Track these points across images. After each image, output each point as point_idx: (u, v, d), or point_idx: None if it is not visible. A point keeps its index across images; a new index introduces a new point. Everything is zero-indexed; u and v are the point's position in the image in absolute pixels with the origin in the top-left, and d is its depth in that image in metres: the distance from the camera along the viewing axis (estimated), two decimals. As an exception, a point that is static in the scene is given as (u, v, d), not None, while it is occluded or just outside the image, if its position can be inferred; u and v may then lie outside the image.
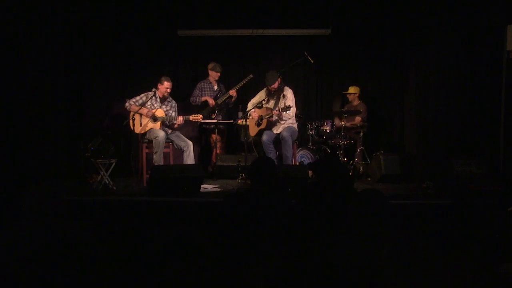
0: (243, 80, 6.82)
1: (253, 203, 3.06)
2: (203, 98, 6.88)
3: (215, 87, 7.00)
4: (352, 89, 7.17)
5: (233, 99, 6.90)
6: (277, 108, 6.25)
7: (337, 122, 7.04)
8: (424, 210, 4.72)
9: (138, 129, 6.20)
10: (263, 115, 6.44)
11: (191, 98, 6.96)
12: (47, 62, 6.21)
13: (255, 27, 7.14)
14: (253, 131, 6.59)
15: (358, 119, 7.03)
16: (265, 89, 6.51)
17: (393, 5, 6.77)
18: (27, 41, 6.01)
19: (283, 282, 2.38)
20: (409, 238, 2.23)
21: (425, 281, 2.04)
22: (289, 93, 6.43)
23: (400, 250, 2.17)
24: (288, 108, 6.13)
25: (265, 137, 6.30)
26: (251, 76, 6.83)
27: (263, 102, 6.43)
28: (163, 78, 6.31)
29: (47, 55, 6.19)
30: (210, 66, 6.94)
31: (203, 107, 6.85)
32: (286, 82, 6.57)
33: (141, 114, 6.21)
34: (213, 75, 6.94)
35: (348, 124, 6.92)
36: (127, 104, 6.26)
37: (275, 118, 6.32)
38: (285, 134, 6.27)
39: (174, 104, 6.47)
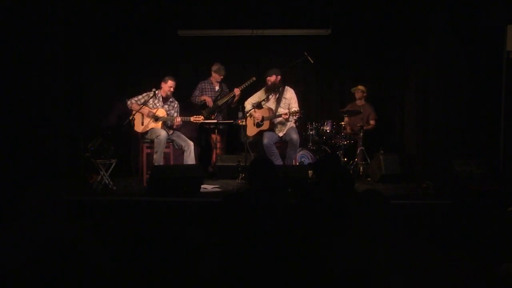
0: (245, 82, 6.81)
1: (253, 203, 3.06)
2: (202, 98, 6.88)
3: (216, 88, 7.00)
4: (362, 87, 7.19)
5: (236, 98, 6.89)
6: (285, 112, 6.24)
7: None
8: (424, 210, 4.72)
9: (139, 128, 6.20)
10: (264, 116, 6.43)
11: (191, 98, 6.96)
12: (47, 62, 6.21)
13: (255, 27, 7.14)
14: (251, 131, 6.54)
15: (372, 122, 7.08)
16: (263, 88, 6.51)
17: (393, 5, 6.77)
18: (27, 41, 6.00)
19: (283, 282, 2.38)
20: (409, 238, 2.23)
21: (425, 281, 2.04)
22: (290, 93, 6.42)
23: (400, 250, 2.17)
24: (297, 113, 6.15)
25: (266, 140, 6.28)
26: (254, 79, 6.83)
27: (263, 102, 6.43)
28: (167, 77, 6.29)
29: (47, 55, 6.19)
30: (214, 68, 6.92)
31: (203, 108, 6.85)
32: (286, 82, 6.56)
33: (142, 114, 6.21)
34: (216, 77, 6.93)
35: (347, 124, 6.93)
36: (128, 102, 6.26)
37: (280, 120, 6.31)
38: (295, 137, 6.28)
39: (176, 105, 6.45)
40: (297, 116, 6.26)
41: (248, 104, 6.53)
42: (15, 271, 1.98)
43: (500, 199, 4.66)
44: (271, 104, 6.46)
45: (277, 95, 6.43)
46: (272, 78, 6.37)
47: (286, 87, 6.47)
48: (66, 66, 6.43)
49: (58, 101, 6.37)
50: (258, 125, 6.49)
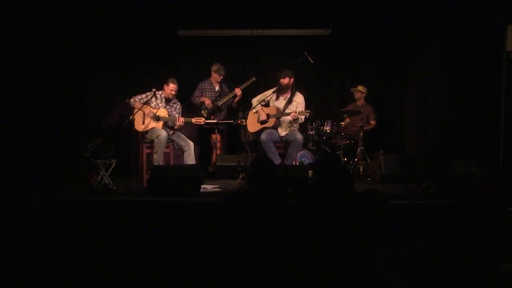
0: (245, 82, 6.81)
1: (253, 203, 3.05)
2: (202, 99, 6.89)
3: (216, 88, 7.00)
4: (361, 88, 7.18)
5: (237, 98, 6.89)
6: (294, 110, 6.24)
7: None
8: (424, 210, 4.72)
9: (140, 127, 6.21)
10: (271, 113, 6.43)
11: (192, 98, 6.97)
12: (47, 62, 6.21)
13: (255, 27, 7.14)
14: (253, 127, 6.52)
15: (373, 122, 7.09)
16: (274, 88, 6.49)
17: (393, 5, 6.76)
18: (27, 41, 6.01)
19: (283, 282, 2.38)
20: (409, 238, 2.23)
21: (425, 281, 2.04)
22: (300, 97, 6.43)
23: (400, 250, 2.17)
24: (306, 112, 6.17)
25: (264, 136, 6.29)
26: (254, 79, 6.83)
27: (270, 98, 6.43)
28: (170, 80, 6.30)
29: (47, 55, 6.19)
30: (214, 68, 6.92)
31: (203, 108, 6.85)
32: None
33: (144, 113, 6.21)
34: (216, 77, 6.93)
35: (346, 124, 6.93)
36: (132, 100, 6.26)
37: (289, 119, 6.31)
38: (299, 137, 6.29)
39: (178, 106, 6.46)
40: (305, 116, 6.27)
41: (255, 100, 6.53)
42: (15, 271, 1.98)
43: (500, 199, 4.66)
44: (280, 104, 6.46)
45: (288, 96, 6.43)
46: (285, 80, 6.37)
47: (297, 91, 6.47)
48: (66, 66, 6.43)
49: (58, 101, 6.37)
50: (262, 122, 6.49)
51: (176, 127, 6.32)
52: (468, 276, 1.99)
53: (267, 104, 6.50)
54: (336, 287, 2.17)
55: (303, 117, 6.32)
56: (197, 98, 6.93)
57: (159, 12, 7.08)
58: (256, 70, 7.40)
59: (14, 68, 5.93)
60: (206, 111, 6.82)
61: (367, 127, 6.97)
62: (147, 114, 6.20)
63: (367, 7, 6.97)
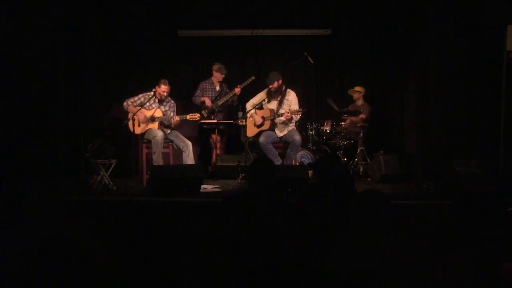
0: (245, 82, 6.82)
1: (253, 203, 3.05)
2: (202, 99, 6.89)
3: (217, 88, 7.00)
4: (359, 88, 7.18)
5: (236, 96, 6.90)
6: (288, 111, 6.25)
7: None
8: (424, 210, 4.72)
9: (137, 130, 6.19)
10: (265, 116, 6.44)
11: (193, 98, 6.97)
12: (47, 62, 6.21)
13: (255, 27, 7.14)
14: (251, 132, 6.54)
15: (359, 118, 7.04)
16: (265, 89, 6.52)
17: (393, 5, 6.76)
18: (28, 41, 6.01)
19: (283, 281, 2.38)
20: (409, 238, 2.23)
21: (425, 281, 2.04)
22: (292, 95, 6.43)
23: (400, 250, 2.17)
24: (299, 111, 6.17)
25: (262, 139, 6.29)
26: (253, 78, 6.84)
27: (263, 102, 6.44)
28: (161, 81, 6.29)
29: (47, 55, 6.19)
30: (215, 67, 6.92)
31: (203, 108, 6.85)
32: (286, 83, 6.56)
33: (138, 118, 6.20)
34: (217, 76, 6.93)
35: (347, 124, 6.93)
36: (125, 104, 6.26)
37: (283, 120, 6.32)
38: (297, 138, 6.30)
39: (172, 104, 6.46)
40: (299, 115, 6.28)
41: (250, 105, 6.54)
42: (15, 271, 1.98)
43: (500, 199, 4.66)
44: (273, 105, 6.47)
45: (280, 97, 6.43)
46: (274, 85, 6.38)
47: (288, 89, 6.48)
48: (66, 66, 6.43)
49: (58, 101, 6.37)
50: (259, 125, 6.50)
51: (172, 126, 6.31)
52: (468, 276, 1.99)
53: (260, 107, 6.50)
54: (336, 286, 2.17)
55: (297, 116, 6.32)
56: (198, 98, 6.92)
57: (159, 12, 7.08)
58: (256, 70, 7.39)
59: (14, 69, 5.93)
60: (206, 111, 6.82)
61: (361, 124, 6.94)
62: (141, 120, 6.19)
63: (367, 7, 6.97)
